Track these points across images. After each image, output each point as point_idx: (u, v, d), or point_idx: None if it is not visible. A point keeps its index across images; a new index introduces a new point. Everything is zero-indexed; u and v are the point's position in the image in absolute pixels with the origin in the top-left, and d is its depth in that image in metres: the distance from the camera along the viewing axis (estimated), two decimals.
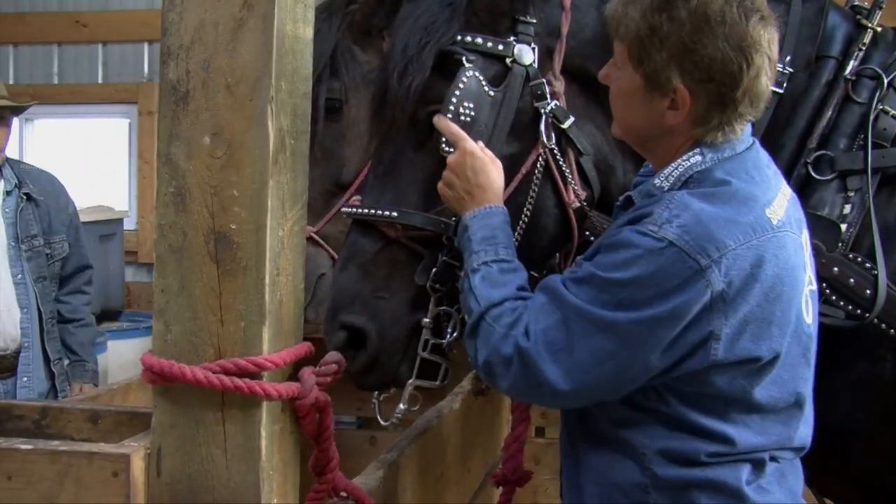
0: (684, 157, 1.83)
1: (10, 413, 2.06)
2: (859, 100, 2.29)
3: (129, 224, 6.64)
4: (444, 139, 2.08)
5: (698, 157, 1.82)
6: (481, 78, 2.12)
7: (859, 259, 2.19)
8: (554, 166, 2.16)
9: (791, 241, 1.80)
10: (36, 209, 4.17)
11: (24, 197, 4.13)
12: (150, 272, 6.89)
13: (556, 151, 2.15)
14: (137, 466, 1.69)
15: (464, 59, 2.12)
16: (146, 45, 6.82)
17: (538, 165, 2.15)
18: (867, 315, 2.16)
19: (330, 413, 1.84)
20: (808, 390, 1.87)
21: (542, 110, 2.14)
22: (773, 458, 1.83)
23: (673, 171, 1.82)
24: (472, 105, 2.10)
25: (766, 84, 1.81)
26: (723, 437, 1.78)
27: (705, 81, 1.77)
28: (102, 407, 2.07)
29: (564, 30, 2.21)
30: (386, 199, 2.15)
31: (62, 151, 7.14)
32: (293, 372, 1.81)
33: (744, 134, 1.87)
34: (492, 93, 2.12)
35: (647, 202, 1.82)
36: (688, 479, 1.79)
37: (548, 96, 2.15)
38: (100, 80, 6.88)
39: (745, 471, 1.80)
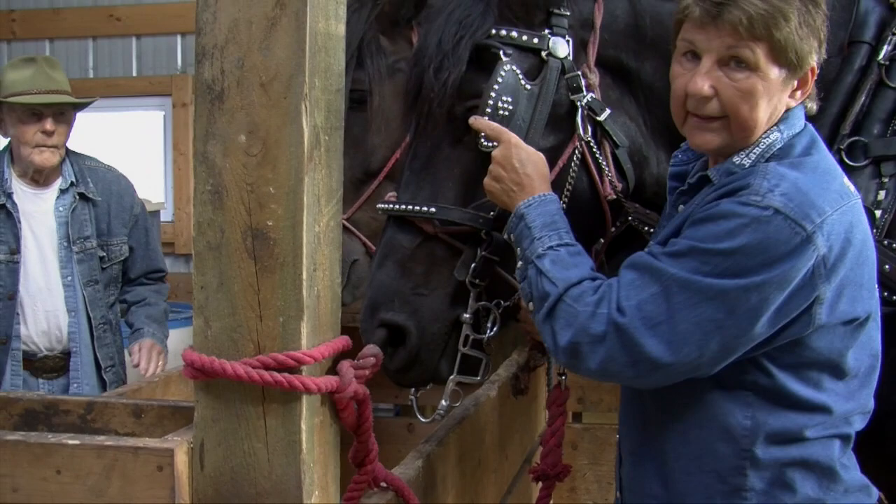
0: (764, 136, 1.85)
1: (57, 408, 2.10)
2: (893, 85, 2.29)
3: (166, 216, 6.71)
4: (483, 134, 2.09)
5: (777, 135, 1.85)
6: (518, 72, 2.12)
7: (895, 245, 2.19)
8: (590, 159, 2.17)
9: (860, 207, 1.86)
10: (93, 209, 4.04)
11: (79, 196, 4.01)
12: (187, 263, 6.96)
13: (592, 144, 2.15)
14: (181, 460, 1.72)
15: (501, 52, 2.13)
16: (179, 38, 6.86)
17: (575, 158, 2.16)
18: None
19: (369, 405, 1.86)
20: (879, 347, 1.91)
21: (579, 103, 2.15)
22: (850, 430, 1.88)
23: (754, 149, 1.84)
24: (510, 99, 2.10)
25: None
26: (821, 407, 1.81)
27: (818, 52, 1.84)
28: (145, 402, 2.10)
29: (598, 21, 2.21)
30: (423, 195, 2.16)
31: (99, 145, 7.21)
32: (332, 365, 1.83)
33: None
34: (528, 86, 2.12)
35: (734, 178, 1.82)
36: (786, 459, 1.81)
37: (583, 89, 2.16)
38: (134, 74, 6.94)
39: (836, 448, 1.84)
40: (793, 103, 1.86)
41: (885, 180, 2.24)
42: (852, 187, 1.84)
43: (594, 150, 2.17)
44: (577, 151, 2.16)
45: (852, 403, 1.85)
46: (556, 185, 2.14)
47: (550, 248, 1.93)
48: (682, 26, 1.87)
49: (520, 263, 2.00)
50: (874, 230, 2.19)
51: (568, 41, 2.17)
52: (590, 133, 2.16)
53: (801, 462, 1.81)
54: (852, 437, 1.88)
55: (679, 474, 1.89)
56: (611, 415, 4.92)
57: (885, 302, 2.17)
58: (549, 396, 2.40)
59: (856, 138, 2.27)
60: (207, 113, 1.73)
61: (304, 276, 1.71)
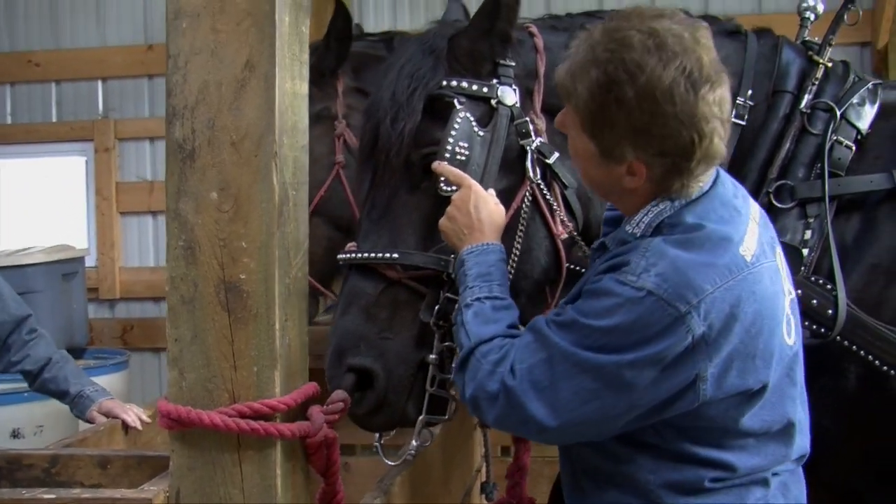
0: (653, 204, 1.86)
1: (20, 463, 2.12)
2: (815, 131, 2.41)
3: (90, 262, 6.63)
4: (443, 179, 2.17)
5: (667, 203, 1.85)
6: (472, 119, 2.22)
7: (820, 281, 2.31)
8: (541, 199, 2.26)
9: (767, 271, 1.85)
10: None
11: None
12: (111, 309, 6.90)
13: (542, 186, 2.25)
14: None
15: (455, 100, 2.22)
16: (100, 83, 6.82)
17: (526, 199, 2.25)
18: (830, 333, 2.28)
19: (337, 449, 1.93)
20: (796, 407, 1.94)
21: (528, 147, 2.25)
22: (775, 474, 1.91)
23: (643, 217, 1.86)
24: (466, 145, 2.19)
25: (720, 144, 1.81)
26: (723, 465, 1.84)
27: (660, 156, 1.79)
28: (111, 452, 2.13)
29: (541, 70, 2.32)
30: (383, 242, 2.22)
31: (19, 191, 7.13)
32: (301, 411, 1.89)
33: (708, 178, 1.89)
34: (481, 133, 2.22)
35: (623, 249, 1.86)
36: None
37: (532, 134, 2.25)
38: (54, 119, 6.88)
39: (752, 495, 1.87)
40: (630, 185, 1.85)
41: (811, 220, 2.36)
42: (751, 255, 1.82)
43: (544, 191, 2.26)
44: (528, 193, 2.26)
45: (760, 459, 1.88)
46: (511, 227, 2.22)
47: (477, 299, 1.99)
48: None
49: (457, 307, 2.06)
50: (802, 268, 2.31)
51: (515, 90, 2.27)
52: (539, 175, 2.26)
53: None
54: (770, 479, 1.90)
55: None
56: (541, 448, 4.99)
57: (813, 335, 2.29)
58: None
59: (783, 182, 2.39)
60: (179, 171, 1.80)
61: (277, 326, 1.78)
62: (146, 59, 6.73)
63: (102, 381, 5.68)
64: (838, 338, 2.29)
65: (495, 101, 2.25)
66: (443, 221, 2.12)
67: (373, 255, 2.20)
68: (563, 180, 2.28)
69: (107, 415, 3.68)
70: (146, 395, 6.62)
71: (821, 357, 2.25)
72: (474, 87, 2.25)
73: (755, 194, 2.34)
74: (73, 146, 6.87)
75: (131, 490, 1.80)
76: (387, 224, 2.25)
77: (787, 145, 2.41)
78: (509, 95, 2.26)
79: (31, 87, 6.90)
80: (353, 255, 2.23)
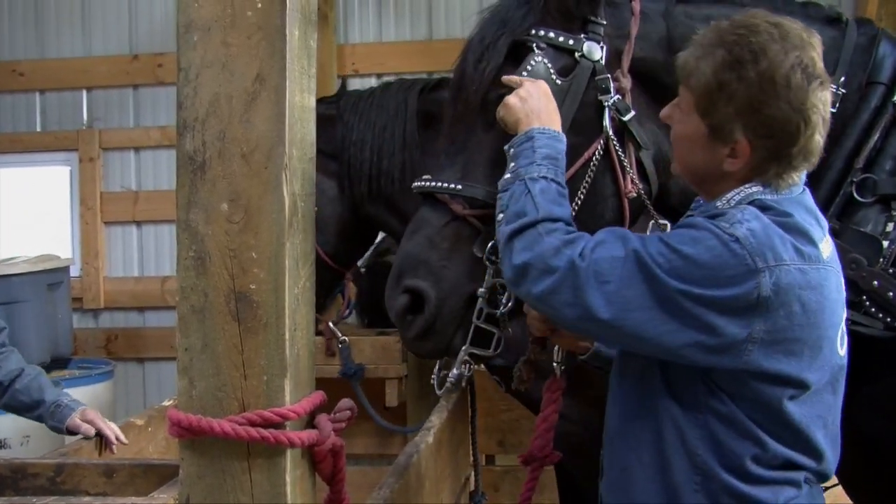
0: (746, 186, 1.95)
1: (25, 472, 2.13)
2: None
3: (74, 271, 6.62)
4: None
5: (759, 187, 1.94)
6: (550, 66, 2.30)
7: None
8: (614, 154, 2.32)
9: (835, 278, 1.93)
10: None
11: None
12: (95, 318, 6.89)
13: (615, 141, 2.31)
14: None
15: (534, 45, 2.31)
16: (84, 93, 6.82)
17: (598, 153, 2.31)
18: None
19: (343, 456, 1.95)
20: (832, 417, 1.98)
21: (606, 103, 2.31)
22: (806, 481, 1.95)
23: (734, 195, 1.95)
24: None
25: (819, 141, 1.94)
26: (762, 443, 1.89)
27: (766, 137, 1.90)
28: (116, 461, 2.15)
29: (633, 32, 2.39)
30: (455, 176, 2.33)
31: (3, 201, 7.11)
32: (308, 419, 1.92)
33: (800, 180, 1.99)
34: (559, 82, 2.29)
35: (717, 211, 1.94)
36: (731, 489, 1.90)
37: (612, 90, 2.32)
38: (38, 129, 6.87)
39: (784, 494, 1.92)
40: (730, 169, 1.94)
41: (895, 213, 2.38)
42: (826, 255, 1.92)
43: (617, 147, 2.32)
44: (601, 147, 2.31)
45: (795, 453, 1.92)
46: (576, 180, 2.28)
47: (544, 177, 2.05)
48: None
49: (508, 175, 2.11)
50: (881, 259, 2.33)
51: (602, 47, 2.34)
52: (613, 131, 2.32)
53: (747, 498, 1.90)
54: (802, 483, 1.94)
55: (647, 484, 1.98)
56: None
57: (887, 327, 2.31)
58: (546, 383, 2.46)
59: (867, 175, 2.40)
60: (189, 182, 1.82)
61: (287, 335, 1.80)
62: (131, 69, 6.74)
63: (87, 390, 5.71)
64: None
65: (579, 54, 2.33)
66: (511, 98, 2.19)
67: (439, 184, 2.31)
68: (639, 140, 2.35)
69: (89, 423, 3.60)
70: (131, 404, 6.61)
71: (888, 354, 2.28)
72: (560, 39, 2.34)
73: (839, 184, 2.40)
74: (58, 156, 6.86)
75: (141, 498, 1.81)
76: (461, 159, 2.36)
77: (876, 136, 2.43)
78: (595, 51, 2.33)
79: (15, 97, 6.89)
80: (423, 183, 2.35)
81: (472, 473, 4.47)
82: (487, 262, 2.24)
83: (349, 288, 5.03)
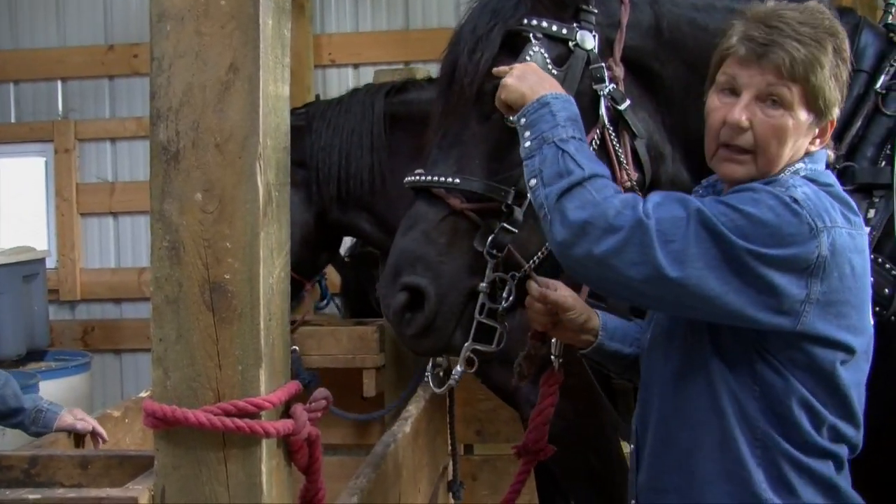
0: (789, 166, 1.99)
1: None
2: (889, 112, 2.46)
3: (50, 263, 6.59)
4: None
5: (802, 165, 1.99)
6: (546, 55, 2.29)
7: (880, 260, 2.35)
8: (610, 145, 2.32)
9: (867, 244, 1.98)
10: None
11: None
12: (72, 310, 6.86)
13: (611, 131, 2.31)
14: None
15: (531, 36, 2.30)
16: (59, 83, 6.78)
17: (594, 144, 2.29)
18: (885, 312, 2.31)
19: (319, 446, 1.95)
20: (863, 386, 2.01)
21: (601, 92, 2.31)
22: (840, 452, 1.98)
23: (780, 175, 1.98)
24: None
25: None
26: (817, 413, 1.92)
27: (839, 106, 1.99)
28: (91, 453, 2.14)
29: (624, 20, 2.40)
30: (449, 170, 2.30)
31: None
32: (283, 409, 1.91)
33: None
34: (555, 71, 2.28)
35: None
36: (795, 460, 1.92)
37: (606, 79, 2.31)
38: (13, 120, 6.82)
39: (832, 466, 1.96)
40: (812, 149, 2.01)
41: (876, 200, 2.40)
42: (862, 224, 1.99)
43: (612, 137, 2.32)
44: (597, 137, 2.30)
45: (844, 425, 1.96)
46: None
47: (573, 137, 2.01)
48: (723, 63, 2.02)
49: (528, 143, 2.03)
50: None
51: (594, 36, 2.34)
52: (609, 121, 2.31)
53: (805, 468, 1.92)
54: (844, 461, 1.98)
55: (704, 462, 1.97)
56: (506, 446, 5.04)
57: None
58: (543, 376, 2.46)
59: (847, 164, 2.43)
60: (163, 172, 1.81)
61: (262, 325, 1.80)
62: (106, 59, 6.71)
63: (64, 383, 5.70)
64: (893, 318, 2.33)
65: (573, 43, 2.33)
66: (508, 79, 2.14)
67: (436, 178, 2.29)
68: (633, 129, 2.35)
69: (59, 428, 3.51)
70: (108, 396, 6.59)
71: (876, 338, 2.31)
72: (553, 28, 2.33)
73: None
74: (33, 147, 6.83)
75: (116, 489, 1.81)
76: (455, 152, 2.34)
77: (858, 124, 2.45)
78: (588, 40, 2.33)
79: None
80: (419, 178, 2.32)
81: (450, 463, 4.49)
82: (488, 257, 2.23)
83: (327, 279, 5.05)
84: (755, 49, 1.95)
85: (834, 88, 1.96)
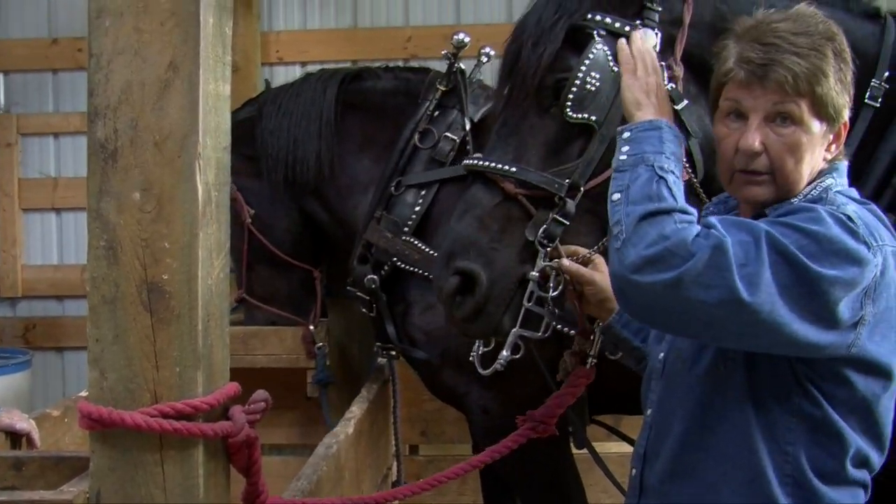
0: (819, 181, 1.96)
1: None
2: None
3: None
4: (569, 104, 2.28)
5: (832, 181, 1.96)
6: (608, 53, 2.30)
7: None
8: None
9: None
10: None
11: None
12: (13, 307, 6.74)
13: None
14: None
15: (595, 33, 2.32)
16: (1, 76, 6.66)
17: None
18: None
19: (258, 448, 1.94)
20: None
21: None
22: (870, 482, 1.96)
23: (811, 192, 1.95)
24: (598, 76, 2.30)
25: None
26: (849, 442, 1.88)
27: (849, 108, 1.97)
28: (25, 454, 2.11)
29: (686, 19, 2.40)
30: (507, 158, 2.33)
31: None
32: (222, 411, 1.90)
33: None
34: (616, 69, 2.27)
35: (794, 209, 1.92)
36: (821, 495, 1.88)
37: (665, 79, 2.27)
38: None
39: (860, 495, 1.93)
40: (828, 156, 1.98)
41: None
42: None
43: None
44: None
45: (872, 448, 1.92)
46: None
47: (673, 173, 1.95)
48: (723, 88, 1.98)
49: (624, 157, 1.97)
50: None
51: (657, 33, 2.32)
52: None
53: (830, 500, 1.88)
54: (868, 486, 1.95)
55: (730, 496, 1.92)
56: (451, 446, 5.06)
57: None
58: (575, 370, 2.43)
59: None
60: (101, 171, 1.79)
61: (200, 326, 1.79)
62: (50, 53, 6.59)
63: (5, 381, 5.60)
64: None
65: None
66: (628, 78, 2.09)
67: (494, 164, 2.32)
68: (689, 128, 2.36)
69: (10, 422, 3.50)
70: (49, 395, 6.48)
71: None
72: (616, 25, 2.35)
73: (884, 182, 2.42)
74: None
75: (50, 491, 1.79)
76: (513, 142, 2.37)
77: None
78: (651, 38, 2.30)
79: None
80: (477, 162, 2.35)
81: (395, 464, 4.48)
82: (539, 247, 2.26)
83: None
84: (754, 71, 1.91)
85: (841, 92, 1.93)
